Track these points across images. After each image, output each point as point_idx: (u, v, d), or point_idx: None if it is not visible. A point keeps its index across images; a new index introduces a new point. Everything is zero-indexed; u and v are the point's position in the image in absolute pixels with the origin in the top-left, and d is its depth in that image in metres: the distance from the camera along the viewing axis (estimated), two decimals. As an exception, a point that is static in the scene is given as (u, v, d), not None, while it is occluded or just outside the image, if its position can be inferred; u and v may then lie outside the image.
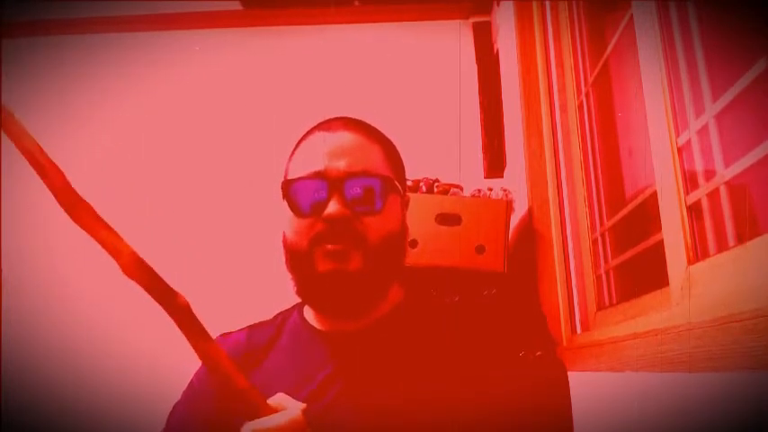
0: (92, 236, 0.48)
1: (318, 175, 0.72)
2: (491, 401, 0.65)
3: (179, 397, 0.80)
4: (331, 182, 0.71)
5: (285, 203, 0.75)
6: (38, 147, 0.47)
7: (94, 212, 0.48)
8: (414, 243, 1.55)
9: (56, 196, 0.47)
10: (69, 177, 0.46)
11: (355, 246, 0.71)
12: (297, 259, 0.74)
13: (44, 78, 2.42)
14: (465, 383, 0.66)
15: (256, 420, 0.56)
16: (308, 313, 0.80)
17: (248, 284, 2.14)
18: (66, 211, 0.47)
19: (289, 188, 0.74)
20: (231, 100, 2.41)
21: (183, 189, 2.31)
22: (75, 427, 2.05)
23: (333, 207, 0.70)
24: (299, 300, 0.83)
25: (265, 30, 2.47)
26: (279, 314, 0.85)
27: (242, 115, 2.38)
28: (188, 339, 0.52)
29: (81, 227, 0.47)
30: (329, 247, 0.70)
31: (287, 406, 0.57)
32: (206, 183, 2.33)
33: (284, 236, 0.76)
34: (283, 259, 0.77)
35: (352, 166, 0.72)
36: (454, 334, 0.72)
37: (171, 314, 0.51)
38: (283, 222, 0.77)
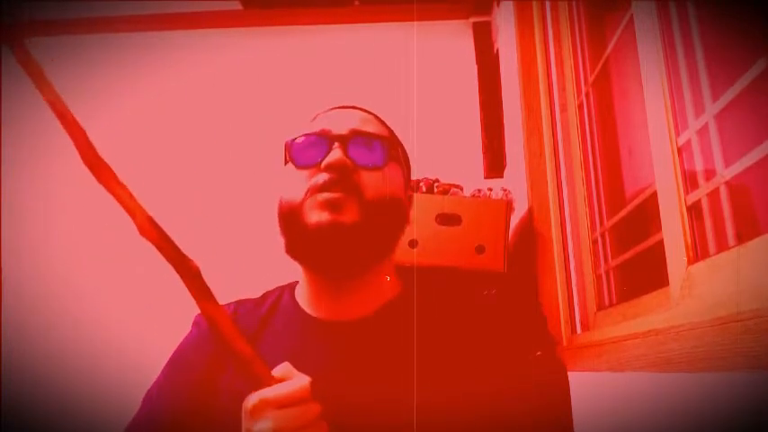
0: (110, 194, 0.51)
1: (323, 133, 0.72)
2: (491, 401, 0.65)
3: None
4: (335, 137, 0.71)
5: (286, 169, 0.74)
6: (67, 109, 0.51)
7: (113, 173, 0.51)
8: (414, 243, 1.55)
9: (81, 156, 0.51)
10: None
11: (351, 196, 0.68)
12: (289, 214, 0.71)
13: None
14: (464, 383, 0.66)
15: (264, 390, 0.54)
16: (301, 297, 0.78)
17: (250, 278, 2.14)
18: (90, 169, 0.51)
19: (292, 145, 0.73)
20: (231, 100, 2.40)
21: (182, 189, 2.31)
22: (75, 426, 2.05)
23: (334, 155, 0.69)
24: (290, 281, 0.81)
25: (265, 30, 2.47)
26: (267, 293, 0.82)
27: (242, 115, 2.38)
28: (196, 302, 0.53)
29: (102, 185, 0.51)
30: (324, 195, 0.68)
31: (292, 376, 0.56)
32: (206, 183, 2.33)
33: (280, 200, 0.74)
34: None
35: (358, 127, 0.73)
36: (454, 333, 0.71)
37: (182, 276, 0.52)
38: (281, 190, 0.74)
